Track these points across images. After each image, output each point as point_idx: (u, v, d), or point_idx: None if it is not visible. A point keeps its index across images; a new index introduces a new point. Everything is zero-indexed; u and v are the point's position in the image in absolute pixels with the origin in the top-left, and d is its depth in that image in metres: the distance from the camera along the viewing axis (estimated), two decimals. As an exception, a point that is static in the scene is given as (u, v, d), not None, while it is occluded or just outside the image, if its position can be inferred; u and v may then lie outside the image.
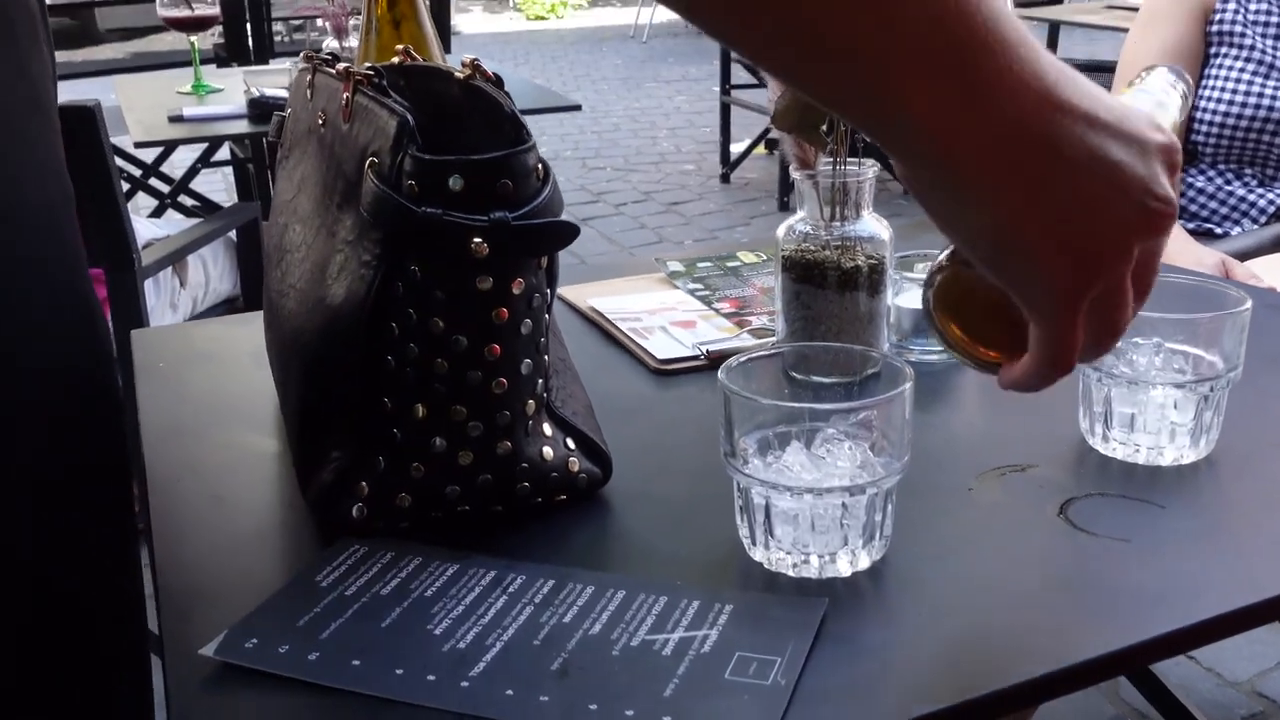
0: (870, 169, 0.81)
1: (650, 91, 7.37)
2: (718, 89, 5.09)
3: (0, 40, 0.59)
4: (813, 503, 0.58)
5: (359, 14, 1.87)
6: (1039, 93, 0.46)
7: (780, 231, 0.83)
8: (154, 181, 3.39)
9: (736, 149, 5.07)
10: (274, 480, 0.73)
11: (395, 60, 0.68)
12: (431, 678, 0.52)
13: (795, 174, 0.82)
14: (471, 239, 0.59)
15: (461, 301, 0.61)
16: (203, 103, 2.48)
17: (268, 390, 0.80)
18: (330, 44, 2.26)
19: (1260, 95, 1.65)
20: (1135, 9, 1.95)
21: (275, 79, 2.45)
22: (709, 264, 1.12)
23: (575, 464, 0.67)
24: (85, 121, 1.71)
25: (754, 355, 0.64)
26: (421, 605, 0.57)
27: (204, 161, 3.56)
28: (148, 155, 3.26)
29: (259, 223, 2.15)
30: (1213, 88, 1.69)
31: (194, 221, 2.31)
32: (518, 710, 0.50)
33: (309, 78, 0.75)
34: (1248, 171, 1.72)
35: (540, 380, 0.65)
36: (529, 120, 0.62)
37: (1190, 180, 1.77)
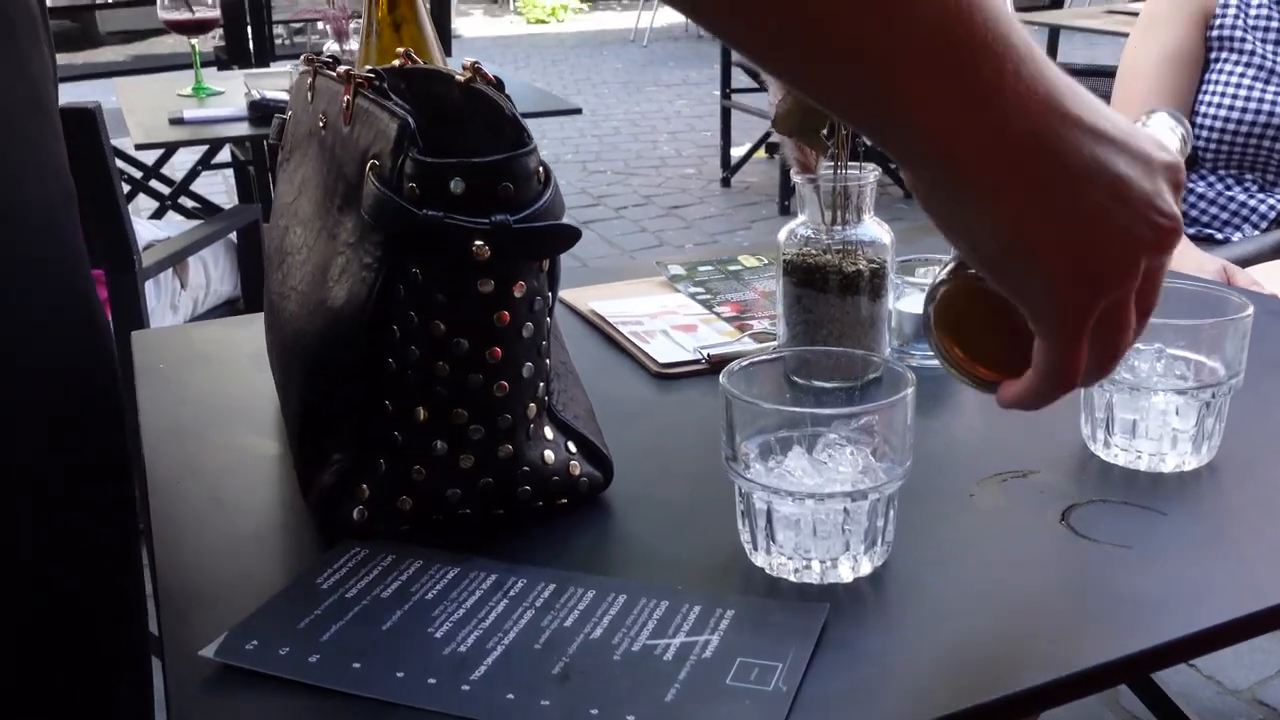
0: (871, 173, 0.81)
1: (651, 95, 7.38)
2: (718, 93, 5.09)
3: (1, 40, 0.59)
4: (815, 508, 0.58)
5: (359, 17, 1.87)
6: (1043, 100, 0.46)
7: (781, 235, 0.83)
8: (154, 183, 3.39)
9: (737, 153, 5.07)
10: (274, 482, 0.73)
11: (396, 63, 0.68)
12: (432, 681, 0.52)
13: (796, 178, 0.82)
14: (473, 242, 0.59)
15: (463, 304, 0.61)
16: (203, 105, 2.48)
17: (268, 392, 0.80)
18: (331, 47, 2.26)
19: (1261, 100, 1.65)
20: (1135, 14, 1.95)
21: (276, 81, 2.45)
22: (710, 268, 1.12)
23: (576, 467, 0.67)
24: (86, 123, 1.71)
25: (756, 360, 0.64)
26: (422, 608, 0.57)
27: (204, 164, 3.56)
28: (148, 157, 3.26)
29: (259, 225, 2.15)
30: (1213, 93, 1.69)
31: (195, 223, 2.31)
32: (519, 714, 0.50)
33: (310, 80, 0.75)
34: (1248, 177, 1.72)
35: (542, 383, 0.65)
36: (529, 124, 0.62)
37: (1191, 185, 1.77)
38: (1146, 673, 1.42)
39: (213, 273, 2.15)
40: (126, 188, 3.06)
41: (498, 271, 0.61)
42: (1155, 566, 0.61)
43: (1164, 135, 0.66)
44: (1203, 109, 1.70)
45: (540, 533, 0.65)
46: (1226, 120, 1.67)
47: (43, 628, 0.61)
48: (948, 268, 0.60)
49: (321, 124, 0.71)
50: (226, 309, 2.19)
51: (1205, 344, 0.71)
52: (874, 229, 0.81)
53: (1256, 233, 1.71)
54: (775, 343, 0.88)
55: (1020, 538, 0.65)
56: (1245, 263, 1.56)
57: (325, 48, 2.26)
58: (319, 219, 0.69)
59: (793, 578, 0.60)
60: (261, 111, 2.24)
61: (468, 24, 11.74)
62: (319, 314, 0.66)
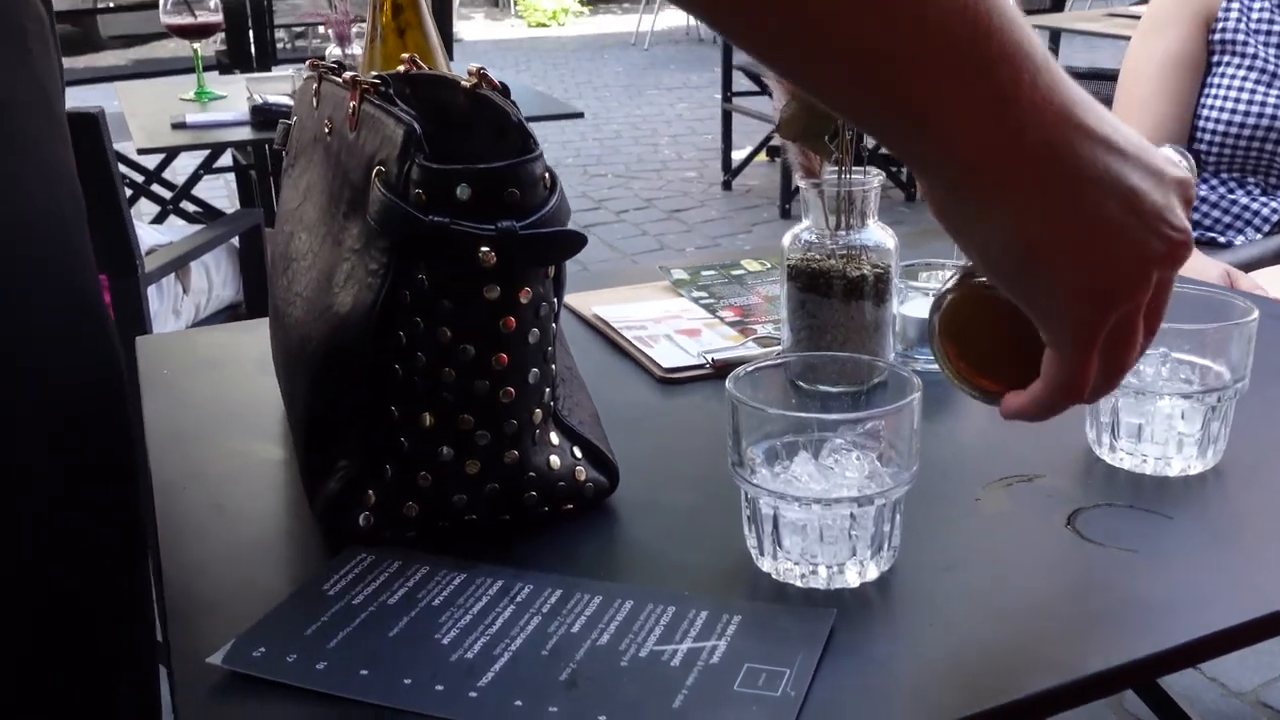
0: (875, 178, 0.81)
1: (652, 99, 7.38)
2: (719, 96, 5.10)
3: (13, 48, 0.59)
4: (821, 513, 0.58)
5: (362, 21, 1.87)
6: (1058, 111, 0.46)
7: (786, 240, 0.83)
8: (156, 187, 3.40)
9: (738, 156, 5.07)
10: (279, 488, 0.73)
11: (401, 69, 0.68)
12: (440, 688, 0.52)
13: (801, 183, 0.82)
14: (479, 248, 0.59)
15: (469, 310, 0.61)
16: (205, 109, 2.48)
17: (272, 398, 0.80)
18: (333, 51, 2.26)
19: (1263, 104, 1.65)
20: (1136, 17, 1.95)
21: (278, 86, 2.45)
22: (713, 272, 1.12)
23: (582, 473, 0.67)
24: (89, 128, 1.71)
25: (761, 365, 0.64)
26: (429, 614, 0.57)
27: (206, 168, 3.57)
28: (150, 161, 3.27)
29: (261, 229, 2.15)
30: (1215, 96, 1.69)
31: (197, 228, 2.31)
32: (526, 721, 0.50)
33: (315, 86, 0.75)
34: (1250, 180, 1.72)
35: (547, 389, 0.65)
36: (530, 127, 0.62)
37: (1193, 189, 1.76)
38: (1153, 677, 1.42)
39: (215, 277, 2.15)
40: (128, 192, 3.06)
41: (504, 277, 0.61)
42: (1161, 570, 0.61)
43: None
44: (1205, 112, 1.70)
45: (546, 538, 0.65)
46: (1229, 124, 1.67)
47: (43, 627, 0.61)
48: (954, 277, 0.60)
49: (327, 130, 0.71)
50: (228, 314, 2.19)
51: (1210, 348, 0.71)
52: (878, 233, 0.81)
53: (1259, 236, 1.71)
54: (779, 347, 0.88)
55: (1026, 542, 0.65)
56: (1248, 267, 1.56)
57: (327, 52, 2.27)
58: (324, 225, 0.69)
59: (799, 583, 0.60)
60: (263, 116, 2.24)
61: (469, 27, 11.75)
62: (324, 320, 0.66)
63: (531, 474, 0.65)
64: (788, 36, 0.45)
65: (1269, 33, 1.67)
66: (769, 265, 1.14)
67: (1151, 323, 0.52)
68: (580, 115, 2.69)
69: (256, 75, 3.02)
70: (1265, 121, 1.65)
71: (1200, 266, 1.49)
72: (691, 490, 0.71)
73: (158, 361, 0.94)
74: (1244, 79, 1.66)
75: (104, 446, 0.69)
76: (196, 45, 2.59)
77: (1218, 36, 1.70)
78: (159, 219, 3.33)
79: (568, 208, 0.62)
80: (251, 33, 3.74)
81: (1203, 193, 1.75)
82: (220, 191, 4.68)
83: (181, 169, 3.80)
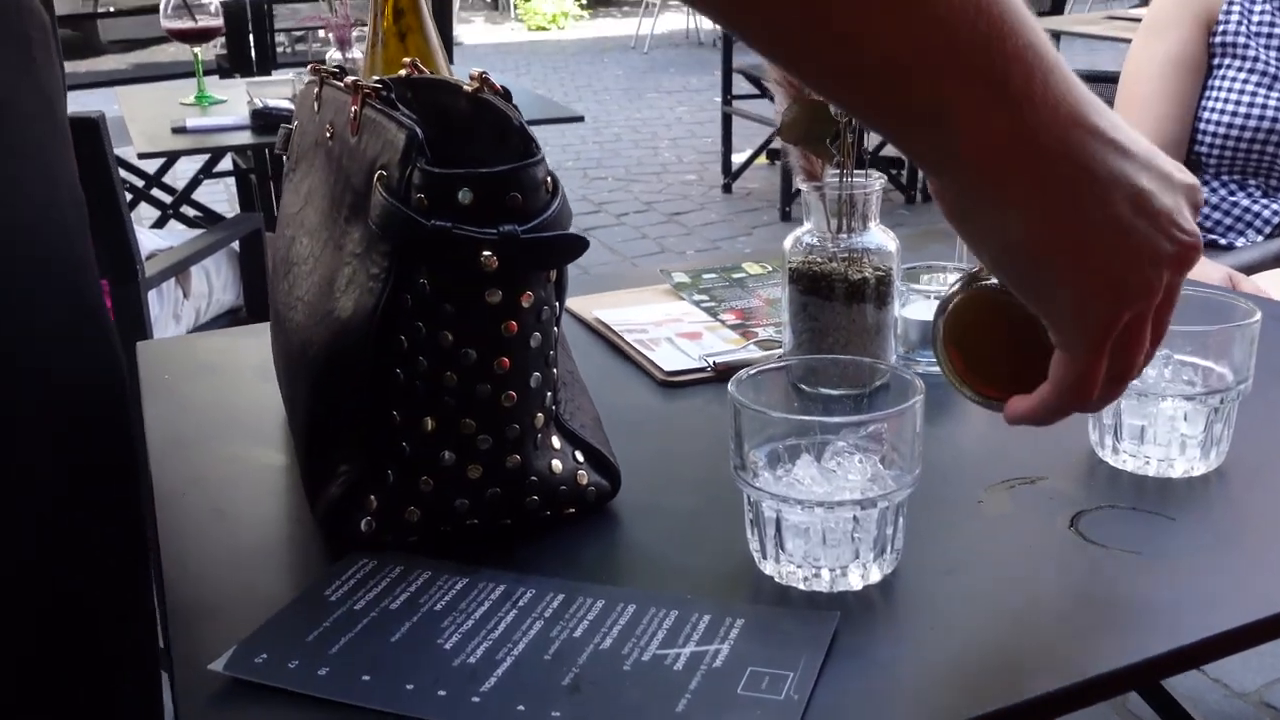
0: (877, 180, 0.81)
1: (651, 102, 7.38)
2: (719, 99, 5.10)
3: (18, 56, 0.59)
4: (824, 516, 0.58)
5: (362, 25, 1.87)
6: (1069, 111, 0.46)
7: (787, 243, 0.83)
8: (156, 192, 3.40)
9: (738, 159, 5.07)
10: (280, 493, 0.72)
11: (402, 73, 0.68)
12: (442, 693, 0.52)
13: (802, 186, 0.82)
14: (481, 252, 0.59)
15: (471, 314, 0.61)
16: (206, 114, 2.48)
17: (273, 402, 0.80)
18: (333, 55, 2.26)
19: (1264, 107, 1.65)
20: (1136, 20, 1.95)
21: (278, 90, 2.45)
22: (714, 275, 1.12)
23: (584, 477, 0.67)
24: (89, 132, 1.72)
25: (763, 368, 0.64)
26: (431, 619, 0.57)
27: (206, 172, 3.57)
28: (150, 166, 3.27)
29: (262, 233, 2.15)
30: (1216, 99, 1.69)
31: (197, 232, 2.31)
32: (529, 726, 0.49)
33: (316, 91, 0.75)
34: (1251, 182, 1.72)
35: (549, 393, 0.65)
36: (531, 131, 0.62)
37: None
38: (1157, 679, 1.42)
39: (215, 282, 2.15)
40: (129, 197, 3.07)
41: (506, 281, 0.60)
42: (1164, 572, 0.61)
43: None
44: (1206, 115, 1.70)
45: (548, 542, 0.65)
46: (1230, 126, 1.67)
47: (46, 627, 0.61)
48: (959, 282, 0.60)
49: (328, 134, 0.71)
50: (229, 318, 2.19)
51: (1213, 350, 0.71)
52: (879, 236, 0.81)
53: (1260, 238, 1.71)
54: (781, 350, 0.88)
55: (1029, 544, 0.64)
56: (1249, 270, 1.56)
57: (328, 56, 2.26)
58: (326, 229, 0.69)
59: (802, 586, 0.60)
60: (264, 120, 2.24)
61: (469, 31, 11.76)
62: (325, 324, 0.65)
63: (533, 478, 0.65)
64: (802, 34, 0.45)
65: (1270, 35, 1.67)
66: (770, 268, 1.14)
67: (1158, 328, 0.52)
68: (580, 119, 2.69)
69: (257, 79, 3.02)
70: (1266, 124, 1.65)
71: (1202, 269, 1.49)
72: (693, 493, 0.71)
73: (158, 366, 0.94)
74: (1245, 81, 1.66)
75: (106, 447, 0.69)
76: (197, 49, 2.59)
77: (1218, 39, 1.70)
78: (159, 223, 3.32)
79: (569, 211, 0.62)
80: (252, 37, 3.74)
81: (1204, 195, 1.75)
82: (220, 196, 4.68)
83: (182, 173, 3.80)
